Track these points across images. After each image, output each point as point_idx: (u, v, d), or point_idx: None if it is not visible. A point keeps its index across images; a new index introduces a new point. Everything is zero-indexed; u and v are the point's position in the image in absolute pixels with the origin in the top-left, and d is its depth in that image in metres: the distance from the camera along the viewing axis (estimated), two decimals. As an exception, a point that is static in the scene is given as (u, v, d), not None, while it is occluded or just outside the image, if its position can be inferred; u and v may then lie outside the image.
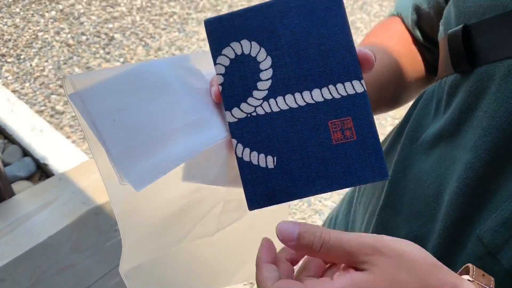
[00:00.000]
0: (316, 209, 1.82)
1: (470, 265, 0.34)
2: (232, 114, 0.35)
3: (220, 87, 0.35)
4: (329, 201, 1.85)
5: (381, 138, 0.42)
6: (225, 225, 0.43)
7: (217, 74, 0.35)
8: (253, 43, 0.35)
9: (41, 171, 1.73)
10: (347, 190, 0.69)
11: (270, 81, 0.35)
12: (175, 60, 0.37)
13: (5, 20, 2.40)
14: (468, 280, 0.33)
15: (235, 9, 2.71)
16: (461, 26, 0.41)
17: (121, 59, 2.31)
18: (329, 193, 1.89)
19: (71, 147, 1.75)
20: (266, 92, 0.35)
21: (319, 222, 1.74)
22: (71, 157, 1.72)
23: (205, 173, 0.37)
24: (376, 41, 0.56)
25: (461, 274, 0.34)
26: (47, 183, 1.58)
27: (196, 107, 0.35)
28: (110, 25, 2.48)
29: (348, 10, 2.84)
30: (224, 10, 2.69)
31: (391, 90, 0.54)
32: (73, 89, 0.31)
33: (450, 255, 0.41)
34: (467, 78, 0.41)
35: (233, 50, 0.35)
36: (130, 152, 0.31)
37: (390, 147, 0.52)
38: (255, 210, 0.34)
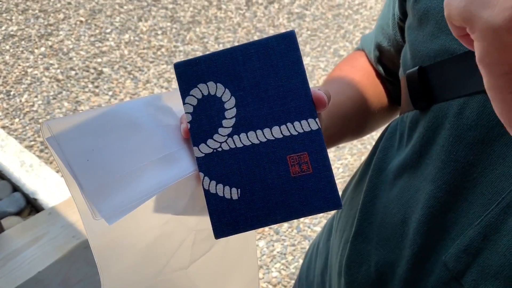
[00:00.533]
0: (305, 235, 1.84)
1: None
2: (199, 150, 0.38)
3: (189, 125, 0.38)
4: (317, 227, 1.87)
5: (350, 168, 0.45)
6: (198, 256, 0.45)
7: (186, 112, 0.38)
8: (219, 84, 0.38)
9: (31, 206, 1.73)
10: (328, 217, 0.72)
11: (234, 119, 0.38)
12: (147, 99, 0.40)
13: (-5, 57, 2.44)
14: None
15: (221, 41, 2.78)
16: (416, 68, 0.44)
17: (110, 93, 2.34)
18: (317, 219, 1.92)
19: (60, 181, 1.77)
20: (231, 129, 0.38)
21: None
22: (60, 191, 1.73)
23: (175, 204, 0.40)
24: (341, 74, 0.60)
25: None
26: (36, 218, 1.59)
27: (166, 143, 0.38)
28: (99, 60, 2.53)
29: (331, 38, 2.93)
30: (211, 42, 2.76)
31: (356, 120, 0.57)
32: (49, 133, 0.34)
33: (418, 280, 0.43)
34: (425, 114, 0.44)
35: (200, 91, 0.38)
36: (102, 189, 0.34)
37: (360, 177, 0.54)
38: (221, 238, 0.37)
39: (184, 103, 0.38)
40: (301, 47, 2.83)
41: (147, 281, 0.43)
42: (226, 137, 0.38)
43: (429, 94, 0.44)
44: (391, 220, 0.46)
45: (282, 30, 2.95)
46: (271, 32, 2.92)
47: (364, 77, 0.59)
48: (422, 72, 0.44)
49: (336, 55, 2.79)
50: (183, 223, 0.42)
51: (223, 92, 0.38)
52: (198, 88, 0.38)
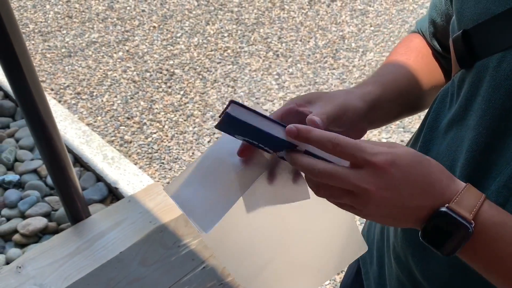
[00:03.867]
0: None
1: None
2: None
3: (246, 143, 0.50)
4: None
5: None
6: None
7: (242, 139, 0.50)
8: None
9: (113, 195, 1.91)
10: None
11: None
12: (216, 148, 0.54)
13: (79, 62, 2.69)
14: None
15: (284, 40, 2.85)
16: (461, 31, 0.51)
17: (182, 92, 2.51)
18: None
19: (139, 172, 1.93)
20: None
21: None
22: (139, 181, 1.89)
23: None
24: (397, 56, 0.66)
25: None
26: (117, 205, 1.75)
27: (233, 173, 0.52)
28: (171, 62, 2.71)
29: (395, 33, 2.91)
30: (274, 42, 2.85)
31: (412, 96, 0.63)
32: (169, 194, 0.53)
33: None
34: (470, 72, 0.50)
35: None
36: (201, 216, 0.51)
37: (416, 136, 0.61)
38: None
39: (235, 137, 0.50)
40: (364, 43, 2.85)
41: (265, 262, 0.56)
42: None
43: (473, 53, 0.49)
44: None
45: (345, 28, 2.98)
46: (333, 29, 2.96)
47: (419, 56, 0.64)
48: (466, 34, 0.50)
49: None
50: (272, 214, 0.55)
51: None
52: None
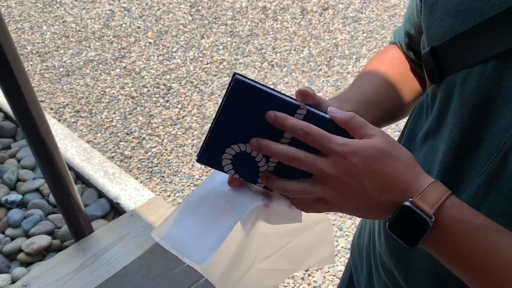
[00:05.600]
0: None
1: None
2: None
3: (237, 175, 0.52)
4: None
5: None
6: (279, 247, 0.59)
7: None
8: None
9: (115, 210, 1.93)
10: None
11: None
12: (203, 186, 0.55)
13: (78, 80, 2.73)
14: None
15: (278, 50, 2.89)
16: (429, 48, 0.53)
17: (179, 105, 2.54)
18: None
19: (140, 187, 1.95)
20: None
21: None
22: (140, 195, 1.91)
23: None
24: (369, 67, 0.68)
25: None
26: (120, 219, 1.77)
27: (227, 203, 0.53)
28: (168, 76, 2.74)
29: (388, 39, 2.94)
30: (268, 53, 2.89)
31: (384, 106, 0.64)
32: (158, 238, 0.53)
33: None
34: (440, 87, 0.53)
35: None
36: (195, 250, 0.51)
37: None
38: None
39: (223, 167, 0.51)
40: (357, 50, 2.89)
41: (244, 272, 0.57)
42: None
43: (441, 69, 0.52)
44: None
45: (338, 35, 3.02)
46: (326, 37, 3.00)
47: (389, 67, 0.67)
48: (434, 51, 0.52)
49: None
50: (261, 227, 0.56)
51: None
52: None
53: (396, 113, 0.67)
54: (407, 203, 0.43)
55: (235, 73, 0.46)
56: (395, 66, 0.67)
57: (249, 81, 0.46)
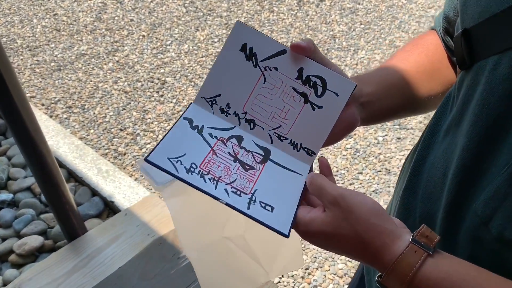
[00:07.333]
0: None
1: (423, 225, 0.43)
2: None
3: None
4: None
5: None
6: (251, 226, 0.53)
7: None
8: None
9: (109, 208, 1.88)
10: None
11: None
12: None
13: (69, 75, 2.66)
14: (410, 239, 0.43)
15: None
16: (461, 30, 0.48)
17: (174, 100, 2.48)
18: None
19: (134, 184, 1.90)
20: None
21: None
22: (135, 193, 1.86)
23: None
24: (400, 54, 0.63)
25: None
26: (114, 219, 1.72)
27: None
28: (162, 70, 2.68)
29: (386, 30, 2.89)
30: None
31: (413, 92, 0.60)
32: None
33: (452, 227, 0.47)
34: (468, 74, 0.48)
35: None
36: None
37: (418, 141, 0.58)
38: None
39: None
40: (355, 41, 2.83)
41: (210, 236, 0.51)
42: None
43: (472, 53, 0.47)
44: (435, 175, 0.50)
45: (335, 27, 2.96)
46: (324, 29, 2.94)
47: (423, 53, 0.62)
48: (466, 34, 0.47)
49: (392, 46, 2.76)
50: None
51: None
52: None
53: (421, 103, 0.62)
54: (378, 279, 0.44)
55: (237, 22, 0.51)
56: (429, 53, 0.62)
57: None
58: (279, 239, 0.47)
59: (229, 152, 0.51)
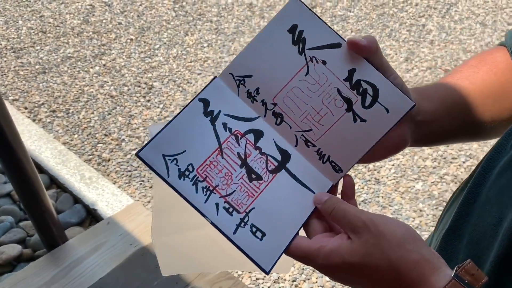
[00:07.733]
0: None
1: (469, 260, 0.37)
2: None
3: None
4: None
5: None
6: None
7: None
8: None
9: (91, 216, 1.82)
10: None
11: None
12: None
13: (54, 78, 2.60)
14: (452, 274, 0.36)
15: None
16: None
17: (161, 105, 2.43)
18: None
19: (118, 192, 1.85)
20: None
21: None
22: (118, 201, 1.81)
23: None
24: (464, 69, 0.55)
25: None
26: (96, 227, 1.67)
27: None
28: (149, 75, 2.63)
29: (376, 38, 2.87)
30: (255, 51, 2.80)
31: (474, 115, 0.52)
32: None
33: (498, 282, 0.41)
34: None
35: None
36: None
37: (471, 175, 0.51)
38: None
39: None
40: (346, 49, 2.81)
41: (190, 230, 0.49)
42: None
43: None
44: (486, 220, 0.44)
45: (326, 34, 2.94)
46: (315, 36, 2.92)
47: (492, 72, 0.54)
48: None
49: (384, 54, 2.74)
50: None
51: None
52: None
53: (483, 129, 0.54)
54: None
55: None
56: (498, 72, 0.54)
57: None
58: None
59: (238, 153, 0.44)
